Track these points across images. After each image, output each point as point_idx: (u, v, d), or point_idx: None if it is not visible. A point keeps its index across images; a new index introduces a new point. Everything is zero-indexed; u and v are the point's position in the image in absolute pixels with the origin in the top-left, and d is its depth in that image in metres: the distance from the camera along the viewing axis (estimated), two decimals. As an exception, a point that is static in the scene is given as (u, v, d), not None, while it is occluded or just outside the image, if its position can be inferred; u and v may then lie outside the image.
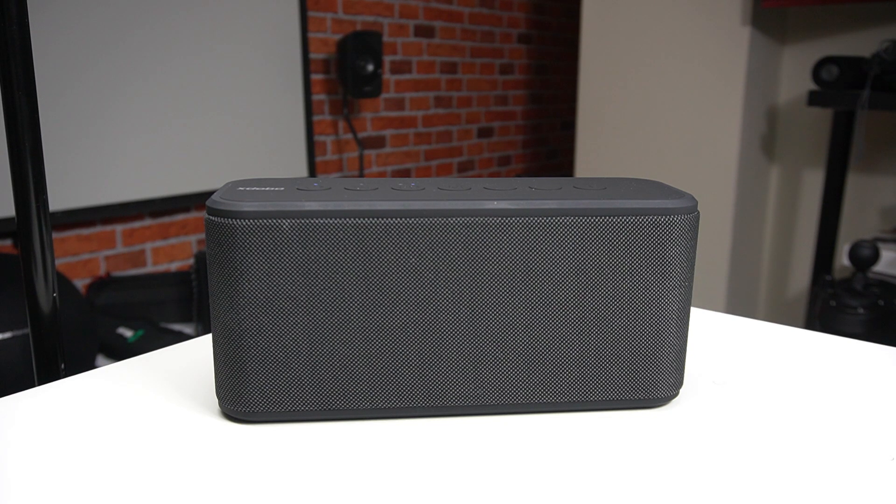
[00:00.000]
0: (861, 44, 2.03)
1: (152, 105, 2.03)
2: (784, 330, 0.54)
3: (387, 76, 2.71)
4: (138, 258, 2.13)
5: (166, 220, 2.18)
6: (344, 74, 2.44)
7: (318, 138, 2.53)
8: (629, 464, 0.35)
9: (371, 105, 2.67)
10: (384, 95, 2.71)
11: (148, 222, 2.13)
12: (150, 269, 2.16)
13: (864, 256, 1.53)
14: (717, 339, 0.52)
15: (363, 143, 2.66)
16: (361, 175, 2.66)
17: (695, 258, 0.39)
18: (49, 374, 0.60)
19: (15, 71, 0.55)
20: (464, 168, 3.13)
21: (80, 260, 1.99)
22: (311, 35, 2.44)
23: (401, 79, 2.78)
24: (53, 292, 0.58)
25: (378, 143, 2.74)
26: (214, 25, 2.14)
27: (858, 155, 1.79)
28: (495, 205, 0.37)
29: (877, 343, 0.51)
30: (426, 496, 0.33)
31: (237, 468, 0.35)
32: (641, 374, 0.40)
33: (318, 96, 2.51)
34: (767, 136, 2.24)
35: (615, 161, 2.33)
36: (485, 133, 3.20)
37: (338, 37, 2.51)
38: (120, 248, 2.08)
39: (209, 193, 2.15)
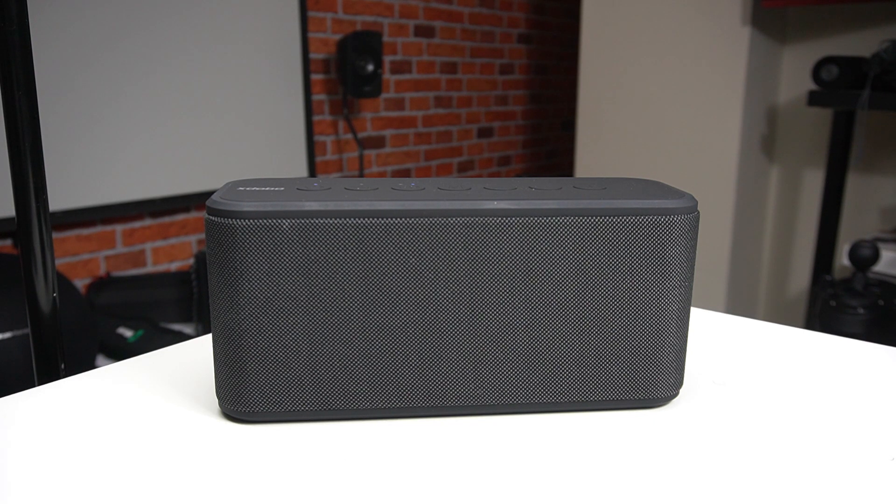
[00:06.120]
0: (861, 44, 2.03)
1: (152, 105, 2.03)
2: (784, 330, 0.54)
3: (387, 76, 2.71)
4: (138, 258, 2.13)
5: (166, 220, 2.18)
6: (344, 74, 2.44)
7: (318, 138, 2.53)
8: (629, 464, 0.35)
9: (371, 105, 2.67)
10: (384, 95, 2.71)
11: (148, 222, 2.13)
12: (150, 269, 2.16)
13: (864, 256, 1.53)
14: (717, 339, 0.52)
15: (363, 143, 2.66)
16: (361, 175, 2.65)
17: (695, 258, 0.39)
18: (49, 374, 0.60)
19: (15, 71, 0.55)
20: (464, 168, 3.13)
21: (80, 260, 1.99)
22: (311, 35, 2.44)
23: (401, 79, 2.78)
24: (53, 292, 0.58)
25: (378, 143, 2.74)
26: (214, 26, 2.14)
27: (858, 155, 1.79)
28: (495, 205, 0.37)
29: (877, 343, 0.51)
30: (426, 496, 0.33)
31: (237, 468, 0.35)
32: (641, 374, 0.40)
33: (318, 96, 2.51)
34: (767, 136, 2.24)
35: (615, 161, 2.33)
36: (485, 133, 3.19)
37: (338, 37, 2.51)
38: (120, 248, 2.08)
39: (209, 193, 2.15)
